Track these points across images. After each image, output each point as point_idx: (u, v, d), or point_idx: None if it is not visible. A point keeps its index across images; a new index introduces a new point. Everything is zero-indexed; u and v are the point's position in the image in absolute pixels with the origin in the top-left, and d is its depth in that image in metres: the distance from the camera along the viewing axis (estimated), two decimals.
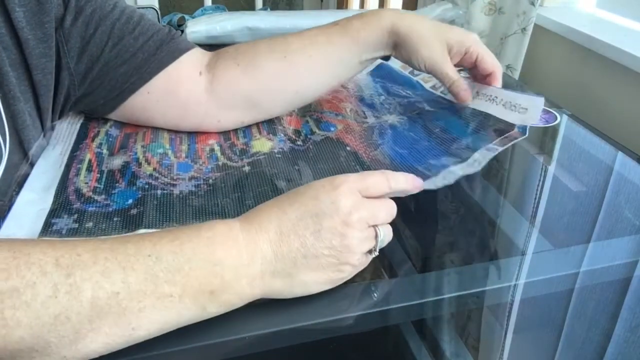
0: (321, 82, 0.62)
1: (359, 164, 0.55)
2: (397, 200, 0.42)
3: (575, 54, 0.92)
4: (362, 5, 2.14)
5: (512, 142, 0.47)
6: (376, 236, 0.39)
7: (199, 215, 0.47)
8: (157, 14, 1.32)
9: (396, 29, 0.58)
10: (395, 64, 0.78)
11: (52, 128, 0.57)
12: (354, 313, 0.39)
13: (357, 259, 0.38)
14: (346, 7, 2.19)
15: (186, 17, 1.35)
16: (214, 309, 0.35)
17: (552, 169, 0.58)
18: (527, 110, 0.59)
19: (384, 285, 0.41)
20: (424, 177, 0.49)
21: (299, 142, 0.59)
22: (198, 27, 0.90)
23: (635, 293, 0.44)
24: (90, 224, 0.45)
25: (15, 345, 0.30)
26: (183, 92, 0.57)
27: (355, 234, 0.37)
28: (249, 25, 0.90)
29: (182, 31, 0.92)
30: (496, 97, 0.61)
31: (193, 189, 0.50)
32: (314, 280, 0.38)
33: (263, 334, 0.37)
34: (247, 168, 0.54)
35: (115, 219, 0.45)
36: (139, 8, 1.33)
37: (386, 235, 0.40)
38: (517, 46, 0.97)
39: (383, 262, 0.42)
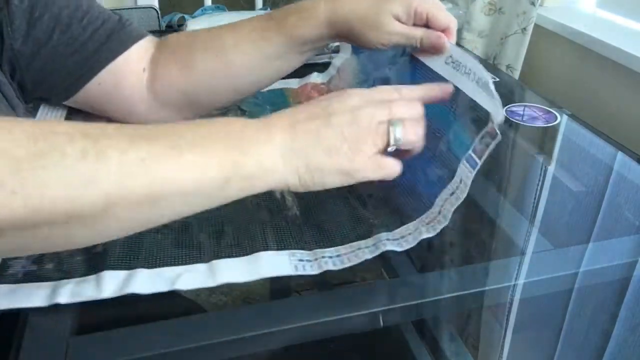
0: (261, 77, 0.59)
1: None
2: None
3: (575, 54, 0.92)
4: None
5: (489, 150, 0.44)
6: (388, 133, 0.40)
7: (170, 250, 0.44)
8: (157, 13, 1.32)
9: (334, 20, 0.54)
10: None
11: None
12: (354, 313, 0.39)
13: (369, 150, 0.40)
14: None
15: (186, 17, 1.35)
16: (236, 183, 0.37)
17: (552, 169, 0.58)
18: (493, 97, 0.46)
19: (384, 285, 0.41)
20: (422, 208, 0.47)
21: None
22: (198, 27, 0.90)
23: (634, 293, 0.44)
24: (51, 266, 0.43)
25: (48, 209, 0.31)
26: (128, 87, 0.57)
27: (363, 123, 0.39)
28: None
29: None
30: (470, 70, 0.50)
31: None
32: (328, 167, 0.39)
33: (263, 333, 0.37)
34: None
35: (77, 258, 0.43)
36: (138, 8, 1.33)
37: (407, 133, 0.40)
38: (517, 46, 0.97)
39: (383, 262, 0.42)
